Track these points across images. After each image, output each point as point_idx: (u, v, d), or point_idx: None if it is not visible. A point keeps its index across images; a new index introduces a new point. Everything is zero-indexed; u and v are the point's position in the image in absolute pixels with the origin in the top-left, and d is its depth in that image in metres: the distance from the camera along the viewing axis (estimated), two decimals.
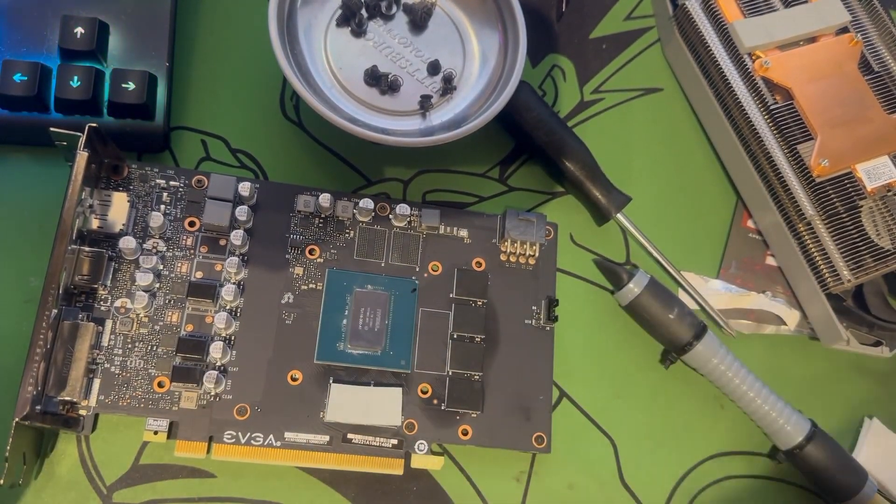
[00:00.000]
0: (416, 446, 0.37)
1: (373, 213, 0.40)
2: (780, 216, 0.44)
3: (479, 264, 0.41)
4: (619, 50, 0.48)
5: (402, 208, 0.40)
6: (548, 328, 0.41)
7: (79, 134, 0.34)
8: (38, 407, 0.33)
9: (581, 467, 0.40)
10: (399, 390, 0.38)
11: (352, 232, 0.40)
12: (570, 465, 0.40)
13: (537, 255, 0.42)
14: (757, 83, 0.43)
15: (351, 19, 0.41)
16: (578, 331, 0.42)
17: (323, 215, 0.40)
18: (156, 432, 0.35)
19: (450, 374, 0.39)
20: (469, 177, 0.44)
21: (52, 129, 0.34)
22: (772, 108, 0.43)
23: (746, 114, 0.43)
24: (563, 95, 0.47)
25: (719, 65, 0.44)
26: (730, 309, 0.44)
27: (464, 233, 0.41)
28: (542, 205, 0.44)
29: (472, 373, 0.39)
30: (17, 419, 0.31)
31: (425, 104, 0.41)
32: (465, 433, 0.38)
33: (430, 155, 0.44)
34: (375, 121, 0.40)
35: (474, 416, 0.38)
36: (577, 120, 0.46)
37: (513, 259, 0.41)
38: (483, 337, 0.40)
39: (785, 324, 0.45)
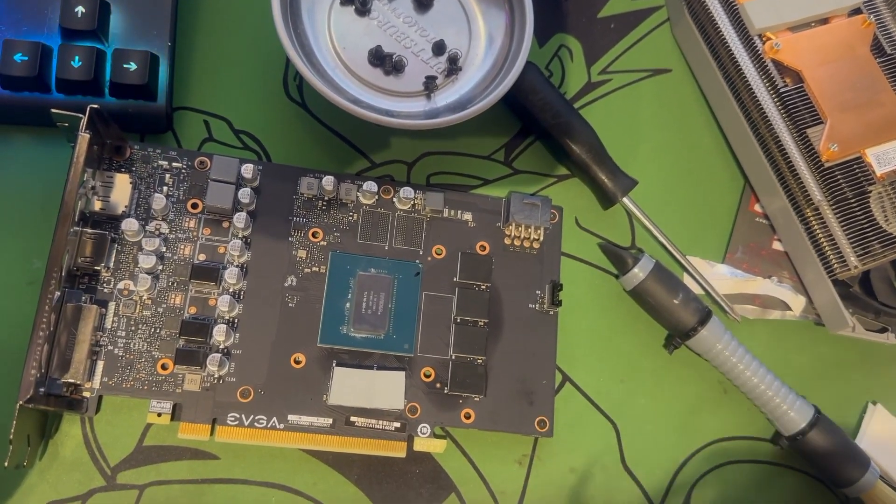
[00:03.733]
0: (418, 429, 0.38)
1: (376, 196, 0.40)
2: (788, 201, 0.43)
3: (483, 248, 0.41)
4: (627, 30, 0.48)
5: (406, 191, 0.40)
6: (551, 312, 0.40)
7: (80, 115, 0.34)
8: (42, 389, 0.33)
9: (583, 451, 0.40)
10: (402, 374, 0.38)
11: (355, 215, 0.40)
12: (572, 449, 0.40)
13: (542, 238, 0.41)
14: (767, 65, 0.42)
15: None
16: (582, 315, 0.42)
17: (326, 198, 0.40)
18: (159, 414, 0.35)
19: (453, 357, 0.39)
20: (474, 159, 0.44)
21: (53, 110, 0.34)
22: (781, 90, 0.42)
23: (756, 96, 0.43)
24: (571, 76, 0.46)
25: (729, 46, 0.43)
26: (735, 294, 0.44)
27: (468, 216, 0.41)
28: (548, 188, 0.44)
29: (476, 357, 0.39)
30: (20, 402, 0.31)
31: (430, 85, 0.40)
32: (467, 417, 0.38)
33: (435, 136, 0.43)
34: (380, 102, 0.40)
35: (477, 399, 0.38)
36: (585, 101, 0.46)
37: (517, 243, 0.41)
38: (486, 321, 0.39)
39: (790, 309, 0.44)
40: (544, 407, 0.39)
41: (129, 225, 0.36)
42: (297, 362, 0.37)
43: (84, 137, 0.34)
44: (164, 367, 0.36)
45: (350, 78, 0.40)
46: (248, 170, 0.38)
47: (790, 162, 0.42)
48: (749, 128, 0.44)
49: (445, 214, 0.41)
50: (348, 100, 0.38)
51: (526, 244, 0.41)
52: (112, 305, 0.36)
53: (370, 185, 0.39)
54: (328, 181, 0.39)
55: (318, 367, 0.37)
